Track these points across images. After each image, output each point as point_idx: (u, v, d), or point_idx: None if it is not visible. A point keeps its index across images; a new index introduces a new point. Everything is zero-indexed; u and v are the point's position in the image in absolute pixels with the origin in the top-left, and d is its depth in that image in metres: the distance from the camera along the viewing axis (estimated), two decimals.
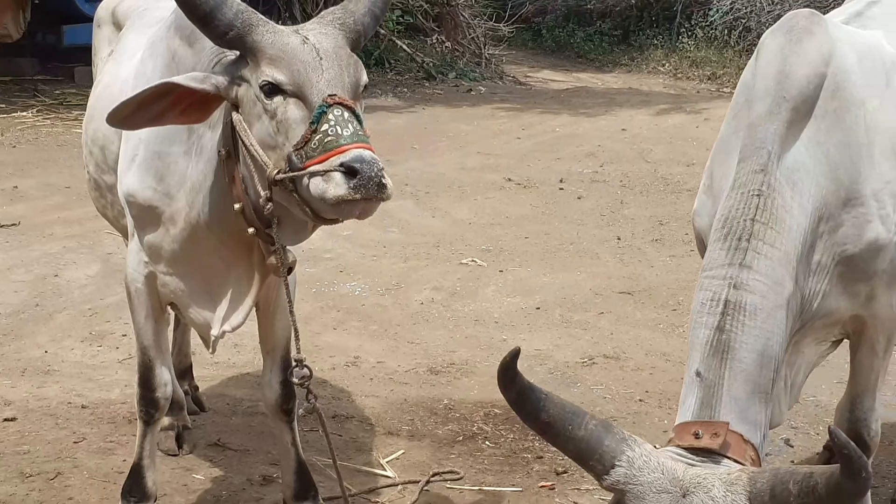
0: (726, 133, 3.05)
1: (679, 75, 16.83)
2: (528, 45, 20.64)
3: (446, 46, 16.67)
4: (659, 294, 6.21)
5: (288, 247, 2.96)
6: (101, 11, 4.18)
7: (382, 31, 15.92)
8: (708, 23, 17.06)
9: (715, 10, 17.12)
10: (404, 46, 16.06)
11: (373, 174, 2.57)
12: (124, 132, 3.23)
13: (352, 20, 2.86)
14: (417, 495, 3.82)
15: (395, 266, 6.81)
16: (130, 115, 2.82)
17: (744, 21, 16.47)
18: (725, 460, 2.50)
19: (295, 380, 3.03)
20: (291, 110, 2.69)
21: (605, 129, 12.08)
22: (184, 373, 4.53)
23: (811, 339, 2.94)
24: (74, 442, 4.18)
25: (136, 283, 3.31)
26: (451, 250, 7.24)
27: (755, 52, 3.05)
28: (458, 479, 3.95)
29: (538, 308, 6.04)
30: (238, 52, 2.81)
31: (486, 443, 4.28)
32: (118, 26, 3.98)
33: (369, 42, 16.01)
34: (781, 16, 3.14)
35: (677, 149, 10.67)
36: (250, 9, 2.82)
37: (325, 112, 2.62)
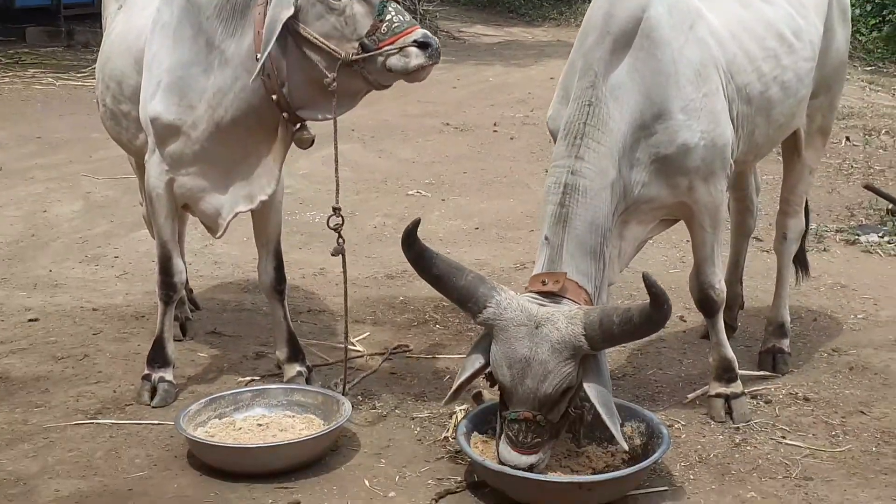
0: (573, 57, 3.83)
1: None
2: (461, 1, 21.43)
3: None
4: None
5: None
6: None
7: None
8: None
9: None
10: None
11: (437, 45, 3.62)
12: (145, 64, 4.01)
13: None
14: (380, 363, 4.68)
15: (349, 198, 7.58)
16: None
17: None
18: (566, 301, 3.41)
19: (330, 224, 3.94)
20: (357, 8, 3.63)
21: (535, 78, 12.96)
22: None
23: (639, 219, 3.78)
24: (93, 334, 4.97)
25: (158, 190, 4.10)
26: (397, 184, 8.09)
27: None
28: (411, 352, 4.81)
29: (477, 228, 6.93)
30: None
31: (437, 326, 5.15)
32: None
33: None
34: None
35: None
36: None
37: (386, 5, 3.61)
